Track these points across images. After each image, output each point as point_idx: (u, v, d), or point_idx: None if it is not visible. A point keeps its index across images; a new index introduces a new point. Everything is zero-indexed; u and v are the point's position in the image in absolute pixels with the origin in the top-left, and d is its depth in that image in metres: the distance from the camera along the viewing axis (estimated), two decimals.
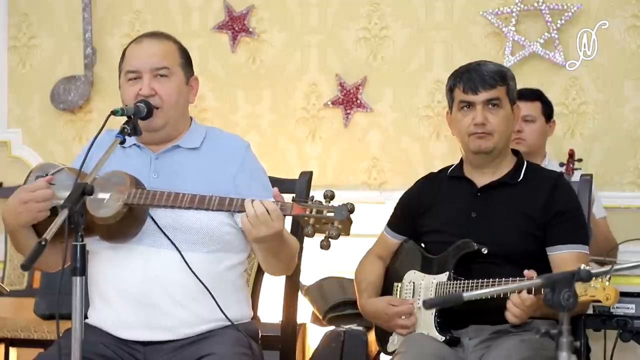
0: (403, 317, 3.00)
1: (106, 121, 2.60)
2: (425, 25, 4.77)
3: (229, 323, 2.75)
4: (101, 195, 2.61)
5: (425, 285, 3.02)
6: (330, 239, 2.46)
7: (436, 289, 2.98)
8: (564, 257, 2.91)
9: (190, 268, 2.68)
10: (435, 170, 3.26)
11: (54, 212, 2.57)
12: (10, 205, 2.65)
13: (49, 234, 2.25)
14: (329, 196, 2.47)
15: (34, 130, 5.22)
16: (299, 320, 3.47)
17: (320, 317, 4.29)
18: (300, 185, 3.30)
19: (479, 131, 2.99)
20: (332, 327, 4.18)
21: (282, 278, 3.19)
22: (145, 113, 2.71)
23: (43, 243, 2.22)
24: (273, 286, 3.37)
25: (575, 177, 4.06)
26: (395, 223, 3.21)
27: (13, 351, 4.38)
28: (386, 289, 3.15)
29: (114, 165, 2.69)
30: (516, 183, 3.04)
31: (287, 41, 4.94)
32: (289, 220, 2.66)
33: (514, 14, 4.60)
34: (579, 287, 2.11)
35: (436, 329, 2.94)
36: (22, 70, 5.25)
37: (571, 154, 4.25)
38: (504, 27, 4.61)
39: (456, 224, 3.02)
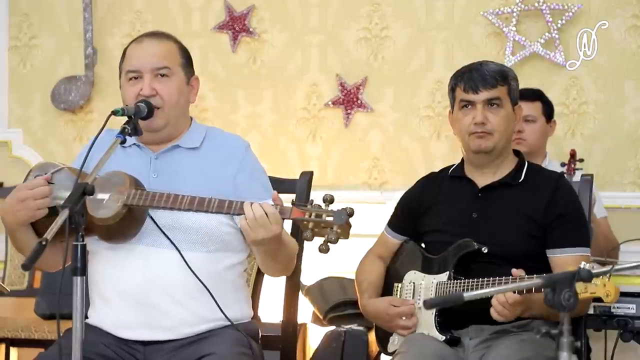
0: (404, 317, 3.00)
1: (107, 121, 2.60)
2: (425, 26, 4.77)
3: (229, 323, 2.74)
4: (100, 196, 2.60)
5: (425, 285, 3.02)
6: (329, 243, 2.46)
7: (436, 288, 2.97)
8: (565, 259, 2.90)
9: (189, 267, 2.67)
10: (436, 170, 3.25)
11: (54, 212, 2.56)
12: (8, 204, 2.64)
13: (49, 233, 2.25)
14: (329, 200, 2.46)
15: (34, 130, 5.22)
16: (300, 320, 3.46)
17: (321, 317, 4.29)
18: (301, 186, 3.30)
19: (479, 130, 2.98)
20: (332, 327, 4.17)
21: (283, 278, 3.18)
22: (145, 113, 2.71)
23: (44, 243, 2.21)
24: (273, 286, 3.37)
25: (577, 177, 4.06)
26: (396, 223, 3.21)
27: (14, 351, 4.39)
28: (386, 289, 3.15)
29: (114, 165, 2.69)
30: (517, 184, 3.03)
31: (288, 41, 4.93)
32: (289, 222, 2.65)
33: (514, 14, 4.60)
34: (578, 284, 2.11)
35: (436, 328, 2.93)
36: (22, 70, 5.24)
37: (572, 154, 4.25)
38: (505, 27, 4.61)
39: (457, 224, 3.01)
